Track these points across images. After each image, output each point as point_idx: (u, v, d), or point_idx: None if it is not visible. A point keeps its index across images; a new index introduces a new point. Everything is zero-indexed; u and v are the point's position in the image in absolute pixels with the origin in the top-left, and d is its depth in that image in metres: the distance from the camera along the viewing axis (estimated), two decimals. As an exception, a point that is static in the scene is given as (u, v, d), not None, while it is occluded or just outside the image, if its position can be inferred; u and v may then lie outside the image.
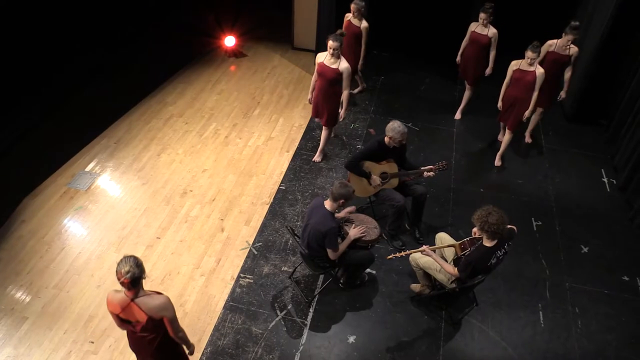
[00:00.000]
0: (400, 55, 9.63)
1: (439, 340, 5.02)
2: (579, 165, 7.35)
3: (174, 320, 3.60)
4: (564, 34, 6.50)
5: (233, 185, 6.57)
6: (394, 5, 9.26)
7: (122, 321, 3.60)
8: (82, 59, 8.09)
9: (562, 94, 6.98)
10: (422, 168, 5.64)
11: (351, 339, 4.98)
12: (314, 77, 6.38)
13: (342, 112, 6.45)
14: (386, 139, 5.47)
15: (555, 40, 6.68)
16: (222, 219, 6.10)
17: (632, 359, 4.99)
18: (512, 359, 4.92)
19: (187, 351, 3.96)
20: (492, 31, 7.11)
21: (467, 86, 7.84)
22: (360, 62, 7.71)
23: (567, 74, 6.79)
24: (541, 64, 6.68)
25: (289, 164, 6.94)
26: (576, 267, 5.84)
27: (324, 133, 6.84)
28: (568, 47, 6.57)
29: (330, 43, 5.92)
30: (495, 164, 7.14)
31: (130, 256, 3.41)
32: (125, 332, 3.76)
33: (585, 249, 6.07)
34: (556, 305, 5.42)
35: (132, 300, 3.46)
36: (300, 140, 7.38)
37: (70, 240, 5.75)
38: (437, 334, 5.07)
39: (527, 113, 6.57)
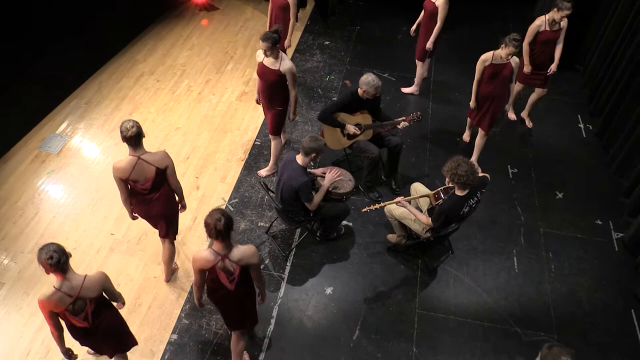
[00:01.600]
0: (375, 4, 9.41)
1: (415, 289, 5.10)
2: (556, 111, 7.33)
3: (174, 171, 4.38)
4: (555, 10, 5.92)
5: (207, 143, 6.48)
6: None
7: (132, 183, 4.23)
8: (46, 19, 7.79)
9: (553, 68, 6.38)
10: (397, 119, 5.59)
11: (328, 290, 5.04)
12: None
13: (291, 114, 5.69)
14: (360, 91, 5.39)
15: (543, 18, 6.10)
16: (197, 177, 6.05)
17: (603, 299, 5.12)
18: (486, 304, 5.02)
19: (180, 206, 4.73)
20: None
21: (417, 62, 7.19)
22: (288, 37, 6.63)
23: (558, 48, 6.25)
24: (532, 46, 6.25)
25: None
26: (551, 212, 5.91)
27: (272, 144, 5.96)
28: (559, 22, 6.07)
29: (261, 44, 5.07)
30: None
31: (130, 119, 4.08)
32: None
33: (560, 195, 6.13)
34: (530, 251, 5.51)
35: (139, 157, 4.13)
36: (275, 95, 7.26)
37: (43, 204, 5.68)
38: (413, 283, 5.15)
39: (507, 107, 6.24)
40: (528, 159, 6.55)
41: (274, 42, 5.07)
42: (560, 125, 7.09)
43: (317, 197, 4.79)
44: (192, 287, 4.96)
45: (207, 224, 3.41)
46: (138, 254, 5.25)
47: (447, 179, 4.45)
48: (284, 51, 6.37)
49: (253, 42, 8.33)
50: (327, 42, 8.38)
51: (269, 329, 4.71)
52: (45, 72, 7.02)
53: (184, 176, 6.03)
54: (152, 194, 4.35)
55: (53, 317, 3.51)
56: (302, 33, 8.58)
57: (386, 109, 5.84)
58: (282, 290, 5.02)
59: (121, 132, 4.06)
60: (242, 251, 3.54)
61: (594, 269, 5.37)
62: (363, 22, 8.96)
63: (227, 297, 3.75)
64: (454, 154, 4.62)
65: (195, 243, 5.37)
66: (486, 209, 5.82)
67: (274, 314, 4.83)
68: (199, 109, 7.00)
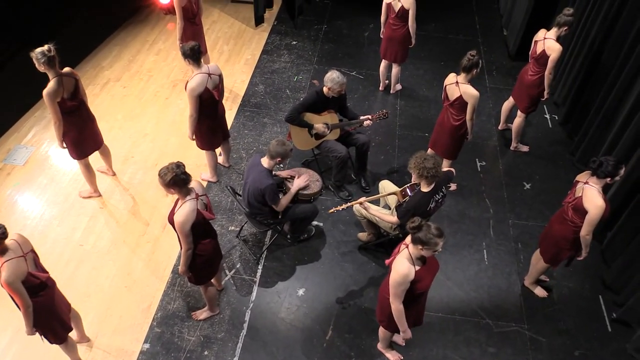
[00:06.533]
0: (342, 3, 9.42)
1: (387, 286, 5.12)
2: (522, 102, 7.41)
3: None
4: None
5: (176, 148, 6.43)
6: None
7: (68, 103, 4.98)
8: (8, 27, 7.66)
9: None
10: (362, 117, 5.62)
11: (301, 291, 5.05)
12: None
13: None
14: (325, 89, 5.41)
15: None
16: (166, 184, 5.99)
17: (571, 287, 5.21)
18: (457, 297, 5.08)
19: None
20: (408, 1, 6.33)
21: (395, 65, 7.14)
22: (177, 41, 6.57)
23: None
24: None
25: (233, 122, 6.81)
26: (519, 204, 6.00)
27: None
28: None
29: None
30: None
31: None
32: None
33: (528, 186, 6.22)
34: (499, 243, 5.58)
35: (61, 74, 4.94)
36: (243, 97, 7.24)
37: (10, 217, 5.58)
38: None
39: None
40: (496, 152, 6.63)
41: (184, 57, 5.03)
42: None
43: (286, 199, 4.79)
44: (158, 306, 4.94)
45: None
46: (108, 264, 5.20)
47: (413, 176, 4.47)
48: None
49: (220, 45, 8.30)
50: (294, 42, 8.38)
51: (241, 333, 4.70)
52: (8, 82, 6.90)
53: (153, 183, 5.98)
54: (79, 106, 5.03)
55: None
56: (269, 34, 8.56)
57: (354, 107, 5.86)
58: (254, 293, 5.02)
59: (43, 55, 4.71)
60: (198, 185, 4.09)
61: (561, 258, 5.46)
62: (330, 20, 8.97)
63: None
64: (422, 150, 4.65)
65: (165, 251, 5.33)
66: (455, 203, 5.89)
67: (247, 317, 4.82)
68: (166, 114, 6.94)
